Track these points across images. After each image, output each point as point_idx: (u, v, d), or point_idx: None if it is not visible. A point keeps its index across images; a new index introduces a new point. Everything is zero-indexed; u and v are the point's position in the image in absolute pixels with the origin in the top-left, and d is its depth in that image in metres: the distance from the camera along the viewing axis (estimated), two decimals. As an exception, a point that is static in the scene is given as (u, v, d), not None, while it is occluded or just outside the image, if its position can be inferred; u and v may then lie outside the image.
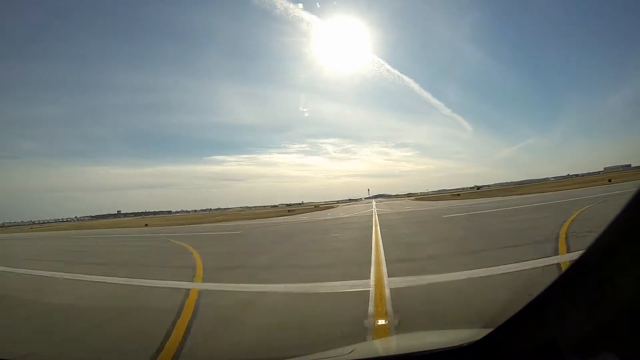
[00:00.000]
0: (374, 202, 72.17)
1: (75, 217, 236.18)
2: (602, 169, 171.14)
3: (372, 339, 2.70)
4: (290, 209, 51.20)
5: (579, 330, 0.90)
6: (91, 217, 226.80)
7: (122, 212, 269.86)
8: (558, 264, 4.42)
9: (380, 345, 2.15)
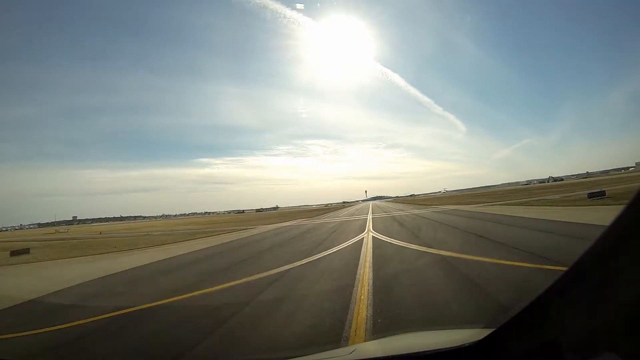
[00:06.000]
0: (370, 205, 70.30)
1: (20, 224, 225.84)
2: (634, 165, 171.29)
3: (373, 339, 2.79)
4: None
5: (579, 330, 0.99)
6: (39, 224, 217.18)
7: (77, 217, 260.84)
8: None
9: (381, 346, 2.24)
